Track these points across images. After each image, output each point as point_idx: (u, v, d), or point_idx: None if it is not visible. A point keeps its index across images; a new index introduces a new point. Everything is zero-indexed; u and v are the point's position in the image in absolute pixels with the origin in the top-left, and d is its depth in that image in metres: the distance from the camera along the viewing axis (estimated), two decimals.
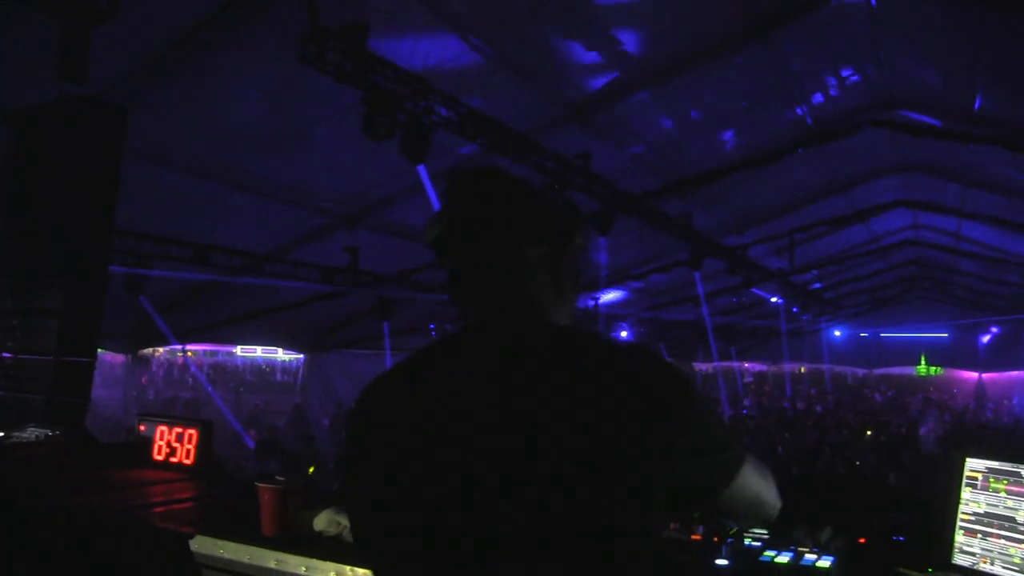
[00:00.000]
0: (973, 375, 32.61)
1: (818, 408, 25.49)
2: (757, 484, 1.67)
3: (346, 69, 6.48)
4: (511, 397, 1.45)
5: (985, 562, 2.30)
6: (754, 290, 19.19)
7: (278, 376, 34.43)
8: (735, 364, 32.15)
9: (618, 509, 1.39)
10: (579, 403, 1.41)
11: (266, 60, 7.43)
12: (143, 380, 25.86)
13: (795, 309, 24.27)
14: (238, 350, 33.74)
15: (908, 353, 33.31)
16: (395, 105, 7.07)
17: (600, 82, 9.13)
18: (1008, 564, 2.25)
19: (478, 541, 1.41)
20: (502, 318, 1.61)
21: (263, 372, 35.81)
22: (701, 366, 33.81)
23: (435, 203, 8.87)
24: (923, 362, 34.17)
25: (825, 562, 2.30)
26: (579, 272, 1.75)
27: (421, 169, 8.11)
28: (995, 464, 2.38)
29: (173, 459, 3.99)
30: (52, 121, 5.49)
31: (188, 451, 3.95)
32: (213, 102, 8.09)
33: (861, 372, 35.74)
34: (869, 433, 17.02)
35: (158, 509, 3.24)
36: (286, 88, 7.92)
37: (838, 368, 34.96)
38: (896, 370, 34.91)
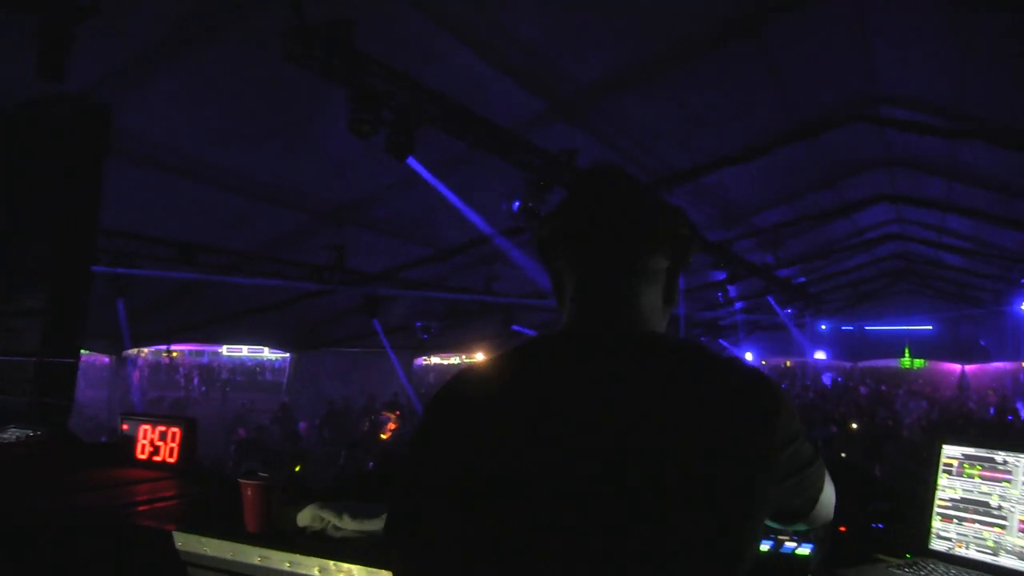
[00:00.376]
0: (956, 367, 32.83)
1: (810, 395, 25.75)
2: (831, 489, 1.68)
3: (332, 66, 6.47)
4: (621, 405, 1.38)
5: (960, 546, 2.33)
6: (731, 289, 19.22)
7: (265, 375, 34.41)
8: None
9: (725, 525, 1.33)
10: (694, 416, 1.36)
11: (251, 58, 7.42)
12: (133, 380, 25.77)
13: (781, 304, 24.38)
14: (224, 350, 33.73)
15: (892, 346, 33.51)
16: (380, 102, 7.07)
17: (587, 78, 9.14)
18: (982, 548, 2.28)
19: (561, 552, 1.31)
20: (614, 326, 1.55)
21: (249, 371, 35.79)
22: None
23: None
24: (907, 355, 34.37)
25: (805, 550, 2.32)
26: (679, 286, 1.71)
27: (411, 161, 8.09)
28: (970, 451, 2.41)
29: (156, 458, 3.98)
30: (35, 120, 5.47)
31: (171, 449, 3.95)
32: (198, 101, 8.08)
33: (847, 365, 35.91)
34: (855, 426, 17.11)
35: (142, 508, 3.24)
36: (272, 86, 7.91)
37: (823, 361, 35.13)
38: (881, 363, 35.12)
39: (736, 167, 11.63)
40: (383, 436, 15.98)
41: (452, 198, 9.20)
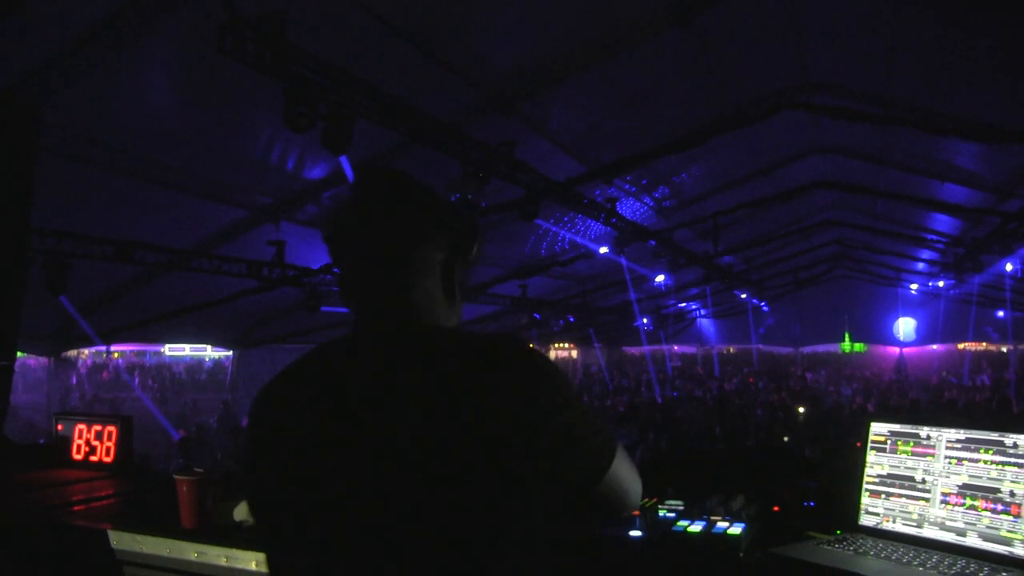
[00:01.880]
0: (895, 350, 33.47)
1: (760, 384, 26.13)
2: (628, 473, 1.74)
3: (265, 60, 6.40)
4: (390, 393, 1.49)
5: (888, 520, 2.40)
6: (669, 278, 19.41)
7: (207, 375, 33.95)
8: (665, 347, 32.56)
9: (495, 495, 1.44)
10: (452, 395, 1.46)
11: (183, 52, 7.32)
12: (72, 382, 25.26)
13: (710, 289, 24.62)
14: (166, 349, 33.26)
15: (833, 331, 34.04)
16: (316, 96, 7.01)
17: (524, 69, 9.14)
18: (908, 521, 2.35)
19: (360, 530, 1.45)
20: (386, 318, 1.65)
21: (192, 371, 35.31)
22: (632, 350, 34.19)
23: None
24: (847, 339, 34.96)
25: (736, 529, 2.36)
26: (467, 281, 1.81)
27: (344, 160, 8.07)
28: (896, 427, 2.48)
29: (93, 457, 3.93)
30: None
31: (108, 448, 3.90)
32: (130, 96, 7.94)
33: (789, 351, 36.40)
34: (802, 410, 17.38)
35: (77, 507, 3.19)
36: (204, 80, 7.81)
37: (765, 348, 35.59)
38: (822, 348, 35.66)
39: (674, 156, 11.72)
40: None
41: None
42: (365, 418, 1.49)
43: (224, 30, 6.07)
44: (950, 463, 2.32)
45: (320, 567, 1.50)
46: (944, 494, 2.30)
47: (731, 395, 23.03)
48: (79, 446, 3.99)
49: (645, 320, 27.80)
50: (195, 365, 35.65)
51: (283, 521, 1.56)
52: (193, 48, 7.02)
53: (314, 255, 13.18)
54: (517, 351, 1.55)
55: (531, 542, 1.49)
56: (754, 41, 9.93)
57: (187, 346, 32.40)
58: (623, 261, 15.92)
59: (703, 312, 32.34)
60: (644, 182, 14.24)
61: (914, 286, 28.18)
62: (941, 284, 23.92)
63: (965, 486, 2.27)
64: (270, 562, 1.63)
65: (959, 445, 2.32)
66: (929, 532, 2.29)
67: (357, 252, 1.68)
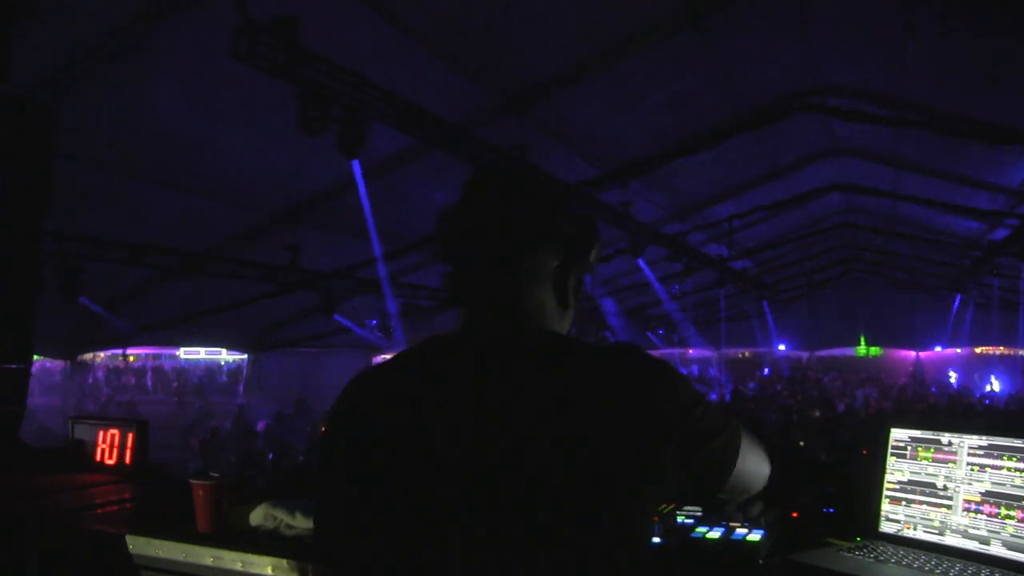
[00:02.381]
0: (911, 354, 33.24)
1: (777, 387, 26.04)
2: (755, 457, 1.71)
3: (279, 63, 6.40)
4: (501, 399, 1.43)
5: (909, 528, 2.37)
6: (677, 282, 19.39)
7: (222, 378, 34.03)
8: (679, 350, 32.45)
9: (621, 496, 1.40)
10: (567, 406, 1.41)
11: (197, 55, 7.34)
12: (87, 385, 25.34)
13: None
14: (181, 352, 33.34)
15: (848, 334, 33.80)
16: (329, 99, 7.02)
17: (536, 73, 9.14)
18: (929, 528, 2.32)
19: (452, 543, 1.38)
20: (498, 322, 1.59)
21: (208, 374, 35.41)
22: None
23: (364, 198, 8.87)
24: (863, 343, 34.71)
25: (755, 536, 2.33)
26: (581, 287, 1.74)
27: (355, 164, 8.08)
28: (917, 433, 2.45)
29: (109, 461, 3.93)
30: None
31: (124, 452, 3.90)
32: (143, 100, 7.97)
33: (804, 355, 36.16)
34: (818, 414, 17.27)
35: (94, 512, 3.19)
36: (217, 84, 7.83)
37: (779, 351, 35.37)
38: (837, 351, 35.41)
39: (688, 160, 11.70)
40: None
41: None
42: (463, 425, 1.42)
43: (238, 34, 6.08)
44: (972, 470, 2.30)
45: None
46: (967, 501, 2.27)
47: (745, 398, 22.92)
48: (95, 450, 3.99)
49: (659, 326, 27.71)
50: (214, 368, 35.75)
51: (352, 522, 1.50)
52: (208, 52, 7.03)
53: (330, 259, 13.19)
54: (645, 356, 1.52)
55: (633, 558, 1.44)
56: (766, 42, 9.91)
57: (202, 350, 32.45)
58: (641, 263, 15.88)
59: (717, 315, 32.17)
60: (657, 185, 14.20)
61: (930, 289, 27.96)
62: (958, 289, 23.71)
63: (988, 493, 2.24)
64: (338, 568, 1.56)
65: (982, 452, 2.29)
66: (951, 540, 2.26)
67: (468, 254, 1.63)
